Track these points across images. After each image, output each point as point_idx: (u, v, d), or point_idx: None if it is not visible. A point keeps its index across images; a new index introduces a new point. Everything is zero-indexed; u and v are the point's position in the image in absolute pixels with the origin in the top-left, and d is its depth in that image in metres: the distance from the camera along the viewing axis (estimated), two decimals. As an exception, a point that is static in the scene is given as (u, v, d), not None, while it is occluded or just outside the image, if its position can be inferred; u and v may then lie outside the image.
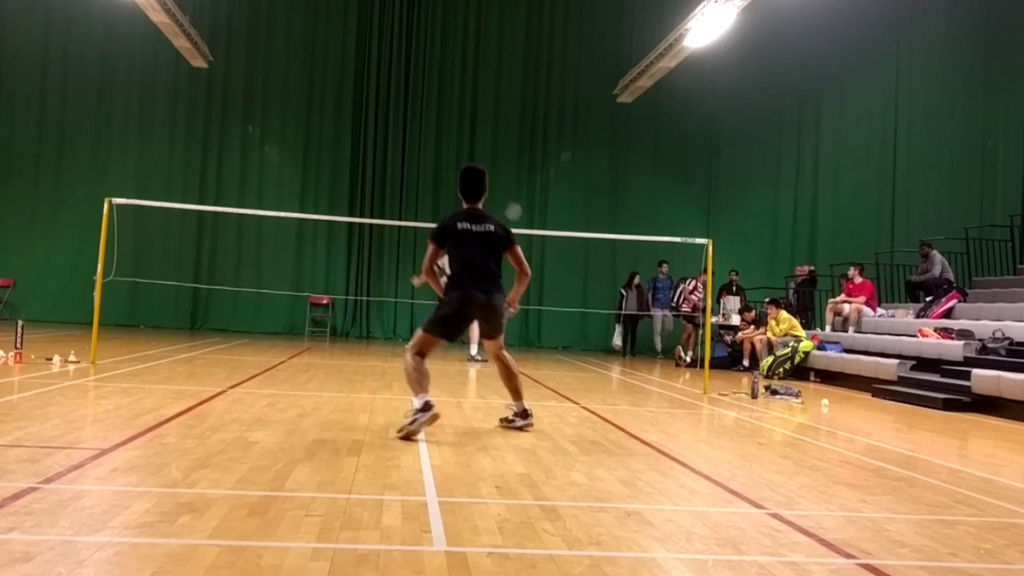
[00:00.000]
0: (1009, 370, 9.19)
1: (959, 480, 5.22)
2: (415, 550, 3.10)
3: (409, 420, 5.52)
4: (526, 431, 6.10)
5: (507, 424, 6.24)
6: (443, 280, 6.10)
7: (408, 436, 5.43)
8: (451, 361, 13.34)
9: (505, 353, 6.19)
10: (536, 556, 3.11)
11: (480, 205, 6.11)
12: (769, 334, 13.95)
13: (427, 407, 5.53)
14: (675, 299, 16.60)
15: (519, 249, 6.17)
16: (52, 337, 12.80)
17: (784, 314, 13.95)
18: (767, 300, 14.60)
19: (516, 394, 6.25)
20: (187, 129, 19.05)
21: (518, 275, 6.23)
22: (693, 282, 16.26)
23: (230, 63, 19.14)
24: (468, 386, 9.76)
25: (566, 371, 12.75)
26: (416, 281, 11.22)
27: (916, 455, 6.25)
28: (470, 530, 3.40)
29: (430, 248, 6.05)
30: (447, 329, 5.97)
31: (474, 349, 13.02)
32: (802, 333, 13.72)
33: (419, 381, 5.67)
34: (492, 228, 5.99)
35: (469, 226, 5.93)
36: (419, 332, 5.92)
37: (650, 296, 17.24)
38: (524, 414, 6.23)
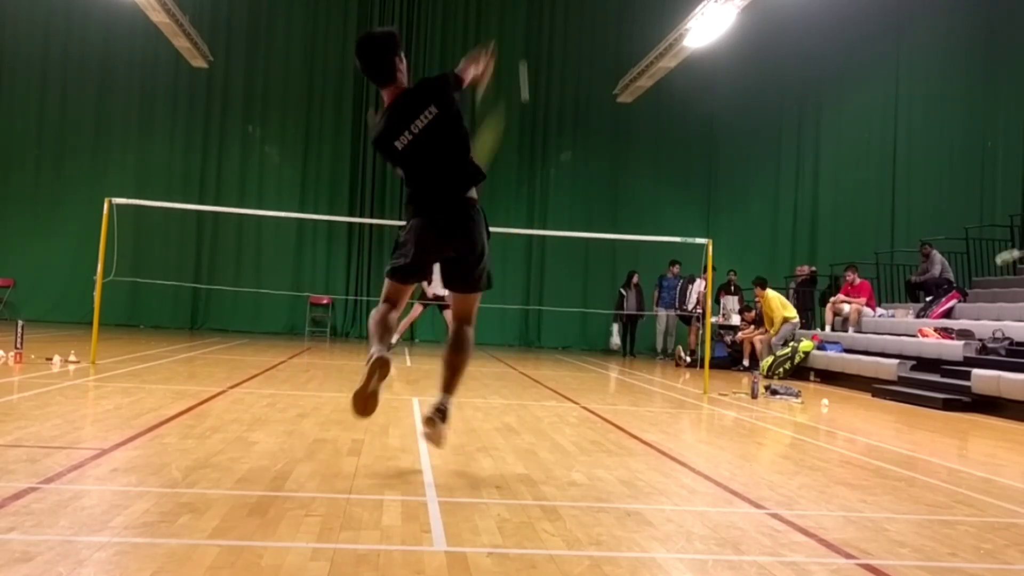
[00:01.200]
0: (1009, 370, 9.19)
1: (959, 480, 5.22)
2: (415, 550, 3.10)
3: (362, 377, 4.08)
4: (436, 433, 4.37)
5: (428, 425, 4.35)
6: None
7: (357, 398, 4.13)
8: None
9: (470, 330, 4.46)
10: (536, 556, 3.11)
11: (405, 83, 4.29)
12: (768, 328, 13.88)
13: (377, 354, 4.08)
14: (686, 299, 16.52)
15: (462, 68, 4.33)
16: (52, 337, 12.80)
17: (771, 293, 13.88)
18: (753, 281, 14.41)
19: (451, 384, 4.43)
20: (187, 129, 19.06)
21: (481, 73, 4.41)
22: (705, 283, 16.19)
23: (230, 63, 19.15)
24: (467, 386, 9.75)
25: (566, 371, 12.75)
26: None
27: (916, 455, 6.25)
28: (470, 530, 3.40)
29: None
30: (409, 269, 4.29)
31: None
32: (793, 312, 13.76)
33: (379, 335, 4.26)
34: (435, 109, 4.14)
35: (408, 134, 4.13)
36: (386, 287, 4.42)
37: (656, 294, 17.19)
38: (444, 413, 4.34)
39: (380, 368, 4.07)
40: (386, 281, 4.41)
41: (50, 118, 18.66)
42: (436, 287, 11.34)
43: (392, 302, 4.39)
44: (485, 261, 4.32)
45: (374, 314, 4.37)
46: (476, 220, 4.24)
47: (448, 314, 4.52)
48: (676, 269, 17.12)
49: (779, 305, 13.77)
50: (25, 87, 18.64)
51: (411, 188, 4.26)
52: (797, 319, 13.91)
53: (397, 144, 4.16)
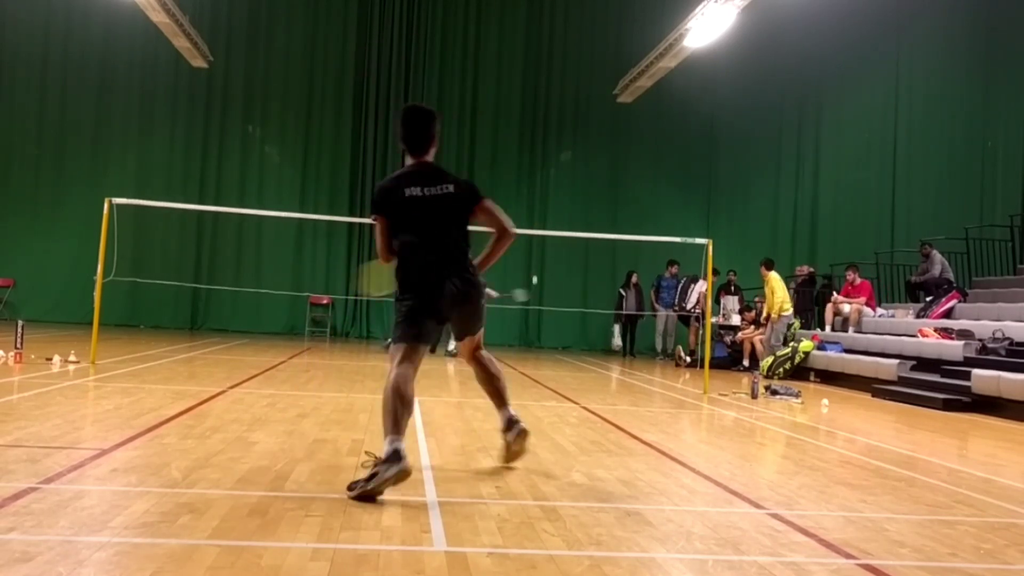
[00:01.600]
0: (1009, 370, 9.19)
1: (959, 480, 5.22)
2: (415, 550, 3.10)
3: (367, 474, 3.85)
4: (521, 444, 4.74)
5: (509, 436, 4.75)
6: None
7: (363, 497, 3.79)
8: (450, 361, 13.34)
9: (484, 352, 4.81)
10: (536, 556, 3.11)
11: (430, 158, 4.56)
12: (768, 311, 13.70)
13: (395, 456, 3.86)
14: (685, 299, 16.49)
15: (491, 203, 4.59)
16: (52, 337, 12.80)
17: (774, 275, 13.75)
18: (761, 261, 14.15)
19: (500, 399, 4.79)
20: (187, 129, 19.06)
21: (496, 236, 4.67)
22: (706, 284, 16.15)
23: (230, 63, 19.15)
24: (468, 386, 9.75)
25: (566, 371, 12.75)
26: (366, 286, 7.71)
27: (916, 455, 6.25)
28: (470, 530, 3.40)
29: (377, 224, 4.41)
30: (418, 333, 4.33)
31: (452, 344, 12.26)
32: (790, 306, 13.71)
33: (394, 413, 4.04)
34: (451, 188, 4.42)
35: (420, 190, 4.35)
36: (393, 347, 4.35)
37: (654, 294, 17.18)
38: (511, 423, 4.73)
39: (401, 480, 3.89)
40: (403, 347, 4.29)
41: (50, 118, 18.66)
42: None
43: (413, 362, 4.31)
44: (481, 314, 4.65)
45: (395, 382, 4.14)
46: (478, 288, 4.51)
47: (462, 347, 4.78)
48: (674, 269, 17.10)
49: (782, 288, 13.66)
50: (25, 87, 18.64)
51: (409, 248, 4.35)
52: (791, 312, 13.87)
53: (407, 192, 4.35)
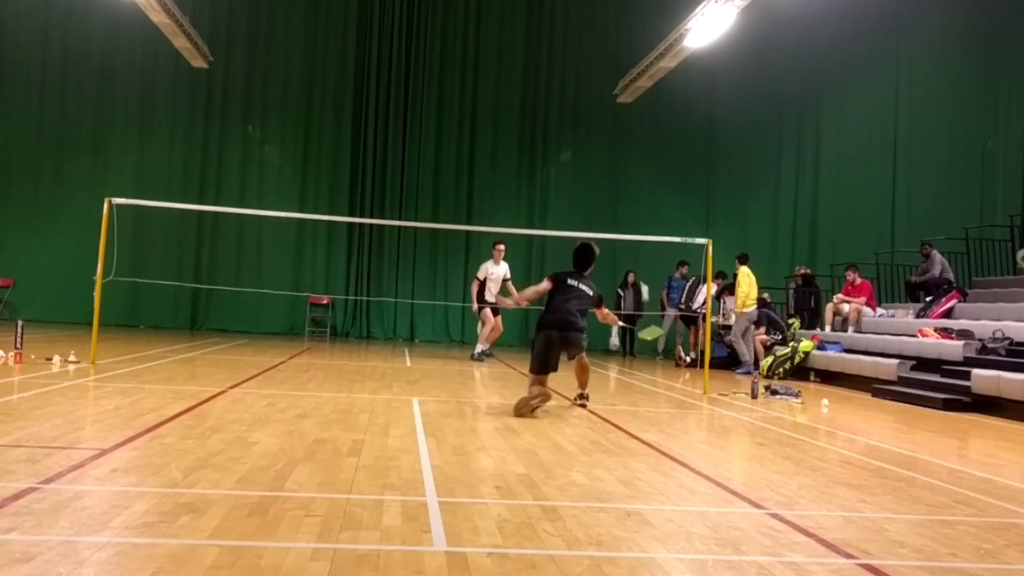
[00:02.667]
0: (1009, 370, 9.18)
1: (959, 480, 5.22)
2: (415, 550, 3.10)
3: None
4: (581, 408, 7.73)
5: (578, 402, 7.95)
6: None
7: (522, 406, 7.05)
8: (450, 361, 13.35)
9: (584, 357, 7.77)
10: (536, 556, 3.11)
11: (587, 273, 7.77)
12: (737, 305, 14.04)
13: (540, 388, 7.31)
14: (692, 299, 16.42)
15: (605, 309, 8.15)
16: (52, 337, 12.80)
17: (744, 270, 13.95)
18: (736, 256, 14.47)
19: (583, 384, 7.97)
20: (187, 129, 19.06)
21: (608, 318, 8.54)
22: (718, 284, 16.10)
23: (230, 63, 19.15)
24: (468, 386, 9.76)
25: (566, 371, 12.71)
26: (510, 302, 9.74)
27: (916, 455, 6.25)
28: (470, 530, 3.40)
29: (544, 284, 7.79)
30: (544, 363, 7.50)
31: (479, 348, 13.50)
32: (754, 300, 13.90)
33: (539, 397, 7.29)
34: (590, 292, 7.64)
35: (576, 283, 7.62)
36: (531, 376, 7.51)
37: (664, 295, 17.08)
38: (585, 396, 8.01)
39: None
40: (533, 378, 7.49)
41: (50, 118, 18.66)
42: (490, 296, 13.18)
43: (543, 384, 7.47)
44: (581, 347, 7.70)
45: (534, 394, 7.29)
46: (573, 335, 7.58)
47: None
48: (684, 270, 16.99)
49: (748, 283, 13.88)
50: (25, 87, 18.64)
51: (550, 308, 7.61)
52: (754, 309, 14.04)
53: (569, 281, 7.63)
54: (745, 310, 13.96)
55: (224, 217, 18.26)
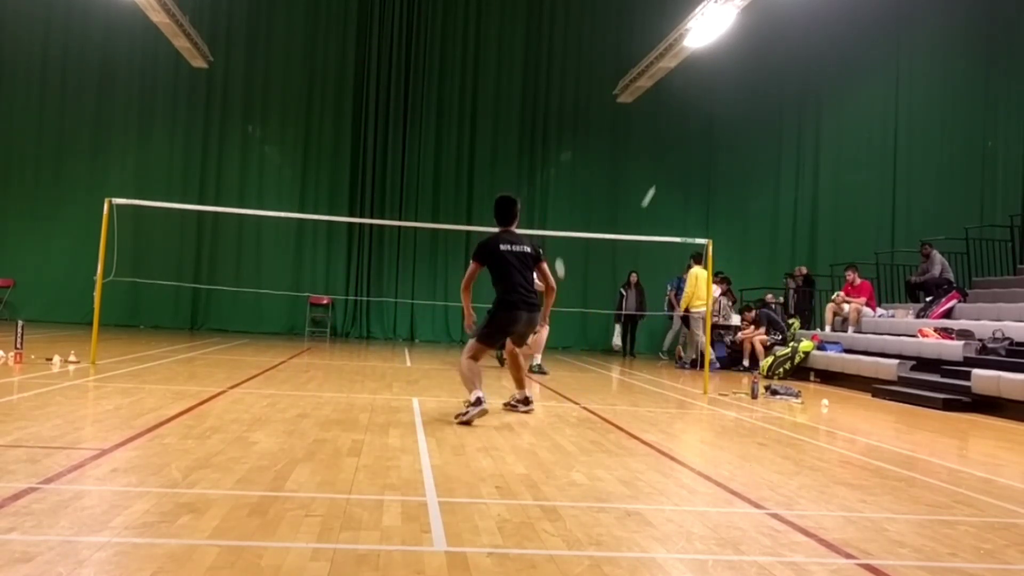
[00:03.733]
0: (1009, 370, 9.18)
1: (959, 480, 5.22)
2: (415, 550, 3.10)
3: (464, 411, 6.45)
4: (526, 413, 7.14)
5: (510, 407, 7.28)
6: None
7: (466, 423, 6.30)
8: (451, 363, 13.35)
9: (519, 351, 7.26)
10: (536, 556, 3.11)
11: (514, 228, 6.94)
12: (681, 305, 14.29)
13: (479, 401, 6.39)
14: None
15: (545, 265, 7.03)
16: (52, 337, 12.80)
17: (694, 270, 13.93)
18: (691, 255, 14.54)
19: (520, 384, 7.33)
20: (187, 129, 19.06)
21: (546, 290, 7.15)
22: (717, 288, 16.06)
23: (230, 63, 19.15)
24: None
25: (566, 371, 12.75)
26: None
27: (916, 455, 6.25)
28: (470, 530, 3.40)
29: (471, 267, 6.81)
30: (495, 340, 7.00)
31: (538, 359, 12.18)
32: (702, 301, 13.72)
33: (472, 380, 6.55)
34: (527, 248, 6.85)
35: (509, 247, 6.75)
36: (472, 342, 6.78)
37: (672, 295, 17.03)
38: (526, 400, 7.27)
39: (483, 414, 6.51)
40: (477, 345, 6.76)
41: (50, 118, 18.66)
42: None
43: (477, 358, 6.74)
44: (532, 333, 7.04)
45: (465, 367, 6.67)
46: (536, 316, 6.88)
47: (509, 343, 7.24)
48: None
49: (693, 283, 13.83)
50: (25, 87, 18.64)
51: (502, 286, 6.75)
52: (703, 311, 13.94)
53: (503, 247, 6.75)
54: (692, 310, 13.88)
55: (224, 217, 18.25)
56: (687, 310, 14.20)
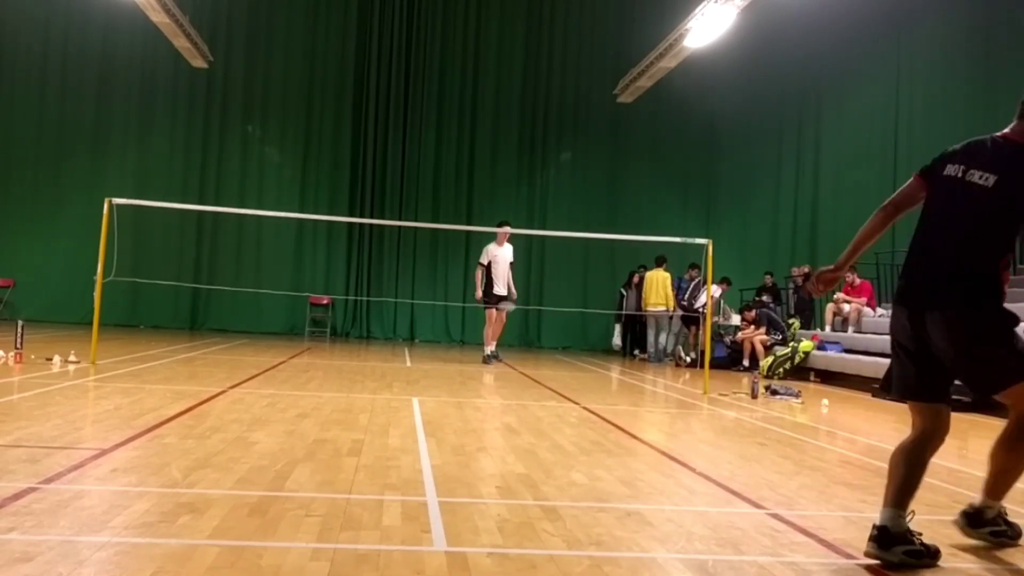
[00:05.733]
0: (1009, 370, 9.16)
1: (959, 480, 5.23)
2: (415, 550, 3.10)
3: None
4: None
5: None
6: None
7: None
8: (450, 361, 13.35)
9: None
10: (536, 556, 3.11)
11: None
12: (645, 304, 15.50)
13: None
14: (696, 299, 16.37)
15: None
16: (52, 337, 12.80)
17: (651, 274, 14.34)
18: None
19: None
20: (187, 129, 19.06)
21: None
22: (718, 288, 16.05)
23: (230, 63, 19.15)
24: (468, 386, 9.75)
25: (566, 371, 12.75)
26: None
27: (916, 455, 6.24)
28: (470, 530, 3.40)
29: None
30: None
31: (487, 350, 13.06)
32: (658, 301, 14.91)
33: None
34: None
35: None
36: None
37: (674, 295, 16.98)
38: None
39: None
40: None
41: (50, 118, 18.66)
42: (499, 284, 12.86)
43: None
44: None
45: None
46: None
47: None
48: (695, 273, 16.84)
49: (646, 286, 14.89)
50: (25, 87, 18.64)
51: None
52: (665, 311, 15.34)
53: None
54: (648, 308, 15.41)
55: (224, 217, 18.26)
56: (646, 309, 15.73)
